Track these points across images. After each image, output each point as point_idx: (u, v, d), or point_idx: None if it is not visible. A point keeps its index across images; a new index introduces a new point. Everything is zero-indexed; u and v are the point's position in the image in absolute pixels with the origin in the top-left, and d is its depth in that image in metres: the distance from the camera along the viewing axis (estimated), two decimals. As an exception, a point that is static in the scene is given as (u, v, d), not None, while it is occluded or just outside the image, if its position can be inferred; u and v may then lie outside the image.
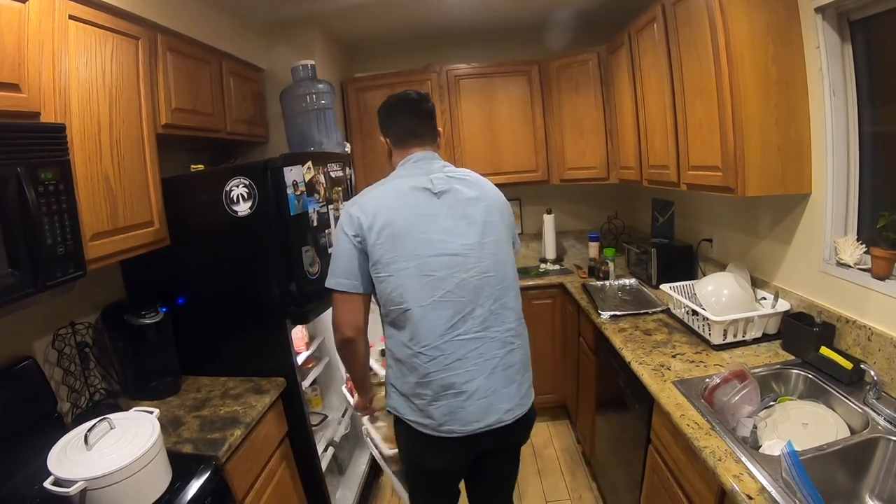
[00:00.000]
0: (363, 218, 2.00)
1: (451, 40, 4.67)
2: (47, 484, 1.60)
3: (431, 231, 2.00)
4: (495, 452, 2.19)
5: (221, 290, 2.67)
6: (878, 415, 1.84)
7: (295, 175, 2.54)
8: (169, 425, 2.23)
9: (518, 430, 2.12)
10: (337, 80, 4.33)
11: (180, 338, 2.64)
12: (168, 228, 2.55)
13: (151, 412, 1.94)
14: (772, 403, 2.13)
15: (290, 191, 2.50)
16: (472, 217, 2.07)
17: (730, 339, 2.53)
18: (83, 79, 2.05)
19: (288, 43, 3.85)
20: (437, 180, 2.07)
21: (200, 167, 2.86)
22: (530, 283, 4.17)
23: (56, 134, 1.82)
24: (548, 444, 4.16)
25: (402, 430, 2.10)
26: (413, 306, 1.97)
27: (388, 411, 2.14)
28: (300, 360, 2.86)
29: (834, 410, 2.00)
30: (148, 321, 2.47)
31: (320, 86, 3.43)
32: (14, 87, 1.73)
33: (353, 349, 2.15)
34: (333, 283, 2.05)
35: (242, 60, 3.48)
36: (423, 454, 2.09)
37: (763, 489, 1.52)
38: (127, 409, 1.97)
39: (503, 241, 2.15)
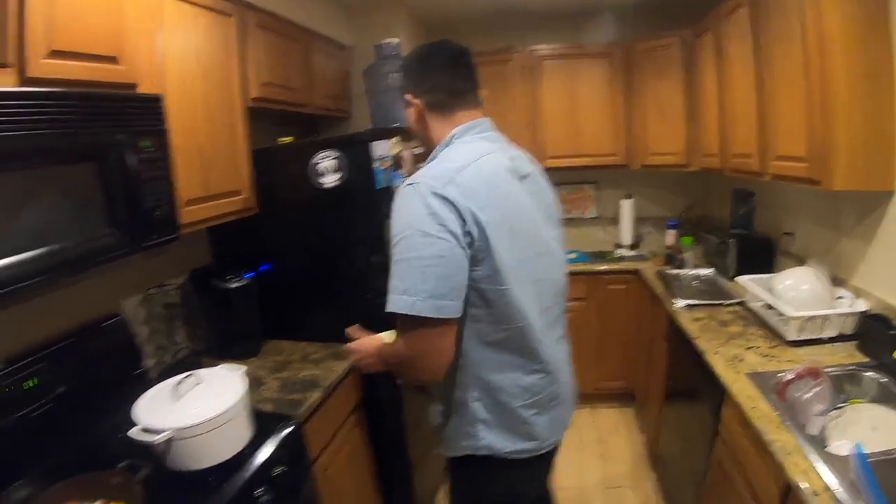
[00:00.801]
0: (472, 204, 1.51)
1: (533, 22, 4.63)
2: (134, 432, 1.69)
3: (532, 225, 1.70)
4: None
5: (306, 259, 2.78)
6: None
7: (381, 150, 2.61)
8: (250, 385, 2.28)
9: None
10: (420, 58, 4.35)
11: (263, 303, 2.74)
12: (256, 198, 2.66)
13: (239, 369, 2.04)
14: (843, 404, 2.09)
15: (376, 165, 2.57)
16: (549, 206, 1.83)
17: (805, 335, 2.48)
18: (178, 53, 2.14)
19: (372, 22, 3.92)
20: (518, 160, 1.76)
21: (289, 140, 2.95)
22: (605, 267, 4.19)
23: (153, 104, 1.92)
24: (612, 430, 4.17)
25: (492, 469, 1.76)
26: (529, 319, 1.64)
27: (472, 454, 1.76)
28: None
29: (906, 416, 1.95)
30: (234, 285, 2.57)
31: (405, 64, 3.45)
32: (112, 60, 1.82)
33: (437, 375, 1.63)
34: (430, 307, 1.46)
35: (328, 38, 3.56)
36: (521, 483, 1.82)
37: (828, 487, 1.51)
38: (203, 369, 2.06)
39: (559, 235, 1.88)
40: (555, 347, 1.76)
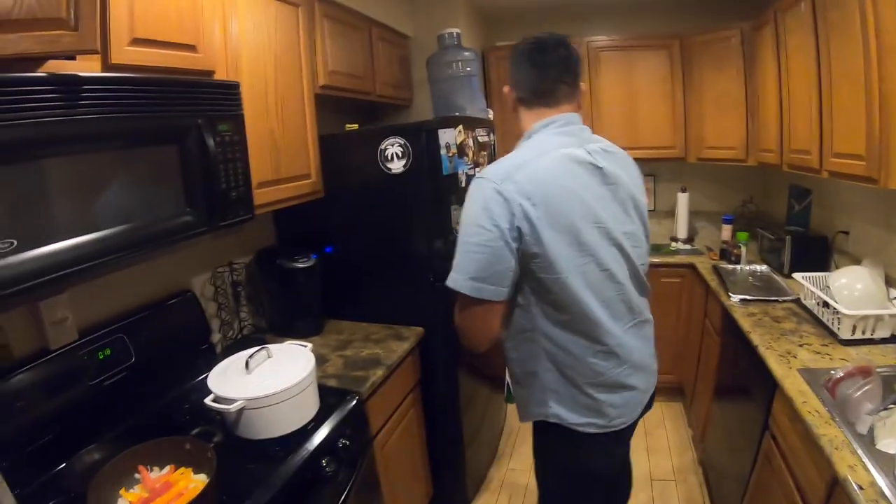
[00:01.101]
0: (524, 202, 1.62)
1: (591, 11, 4.63)
2: (208, 400, 1.81)
3: (597, 218, 1.72)
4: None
5: (370, 243, 2.86)
6: None
7: (448, 137, 2.68)
8: (315, 361, 2.40)
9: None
10: (479, 49, 4.41)
11: (326, 283, 2.83)
12: (323, 182, 2.76)
13: (306, 346, 2.15)
14: (892, 405, 2.08)
15: (443, 152, 2.65)
16: (626, 200, 1.84)
17: (858, 335, 2.47)
18: (251, 42, 2.23)
19: (433, 12, 3.98)
20: (595, 153, 1.78)
21: (355, 126, 3.04)
22: (659, 260, 4.18)
23: (231, 91, 2.01)
24: (660, 423, 4.17)
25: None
26: (587, 305, 1.71)
27: None
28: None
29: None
30: (300, 265, 2.68)
31: (466, 53, 3.52)
32: (191, 48, 1.92)
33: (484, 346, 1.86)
34: (470, 287, 1.65)
35: (390, 27, 3.64)
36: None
37: (874, 483, 1.52)
38: (274, 344, 2.16)
39: (641, 224, 1.92)
40: (624, 334, 1.80)
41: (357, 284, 2.94)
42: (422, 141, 2.62)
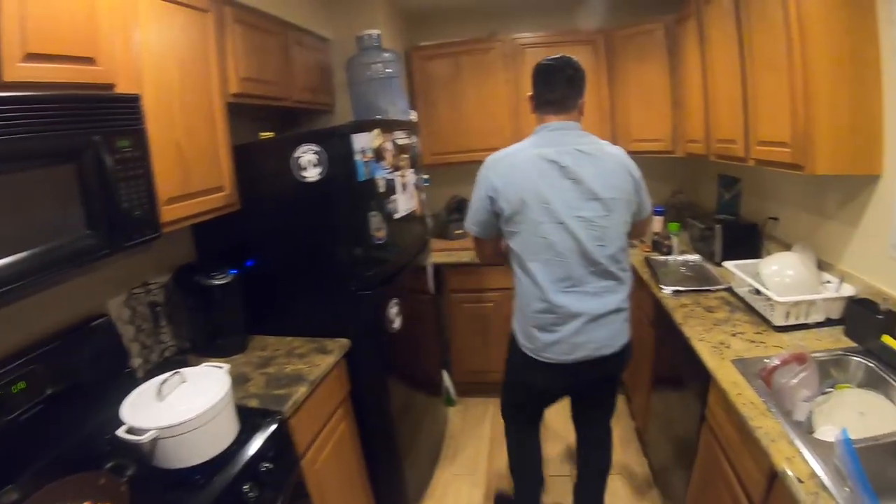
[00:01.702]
0: (497, 181, 2.34)
1: (516, 8, 4.62)
2: (120, 432, 1.69)
3: (561, 201, 2.27)
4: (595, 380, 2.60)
5: (289, 254, 2.77)
6: (939, 408, 1.79)
7: (363, 142, 2.59)
8: (236, 381, 2.30)
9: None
10: (402, 49, 4.36)
11: (248, 298, 2.73)
12: (238, 193, 2.64)
13: (221, 367, 2.05)
14: (829, 390, 2.09)
15: (357, 157, 2.56)
16: (586, 191, 2.29)
17: (791, 321, 2.48)
18: (155, 51, 2.11)
19: (353, 13, 3.89)
20: (565, 154, 2.29)
21: (270, 135, 2.94)
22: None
23: (131, 104, 1.89)
24: (603, 417, 4.14)
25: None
26: (531, 261, 2.36)
27: None
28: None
29: (892, 402, 1.96)
30: (218, 282, 2.57)
31: (385, 54, 3.47)
32: (89, 61, 1.80)
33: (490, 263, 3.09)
34: (470, 228, 2.56)
35: (307, 30, 3.55)
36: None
37: (814, 474, 1.51)
38: (195, 366, 2.08)
39: (622, 217, 2.40)
40: (560, 293, 2.33)
41: (280, 298, 2.85)
42: (335, 147, 2.54)
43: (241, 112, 2.85)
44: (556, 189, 2.27)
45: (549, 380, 2.52)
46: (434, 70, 4.41)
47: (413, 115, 3.79)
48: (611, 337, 2.40)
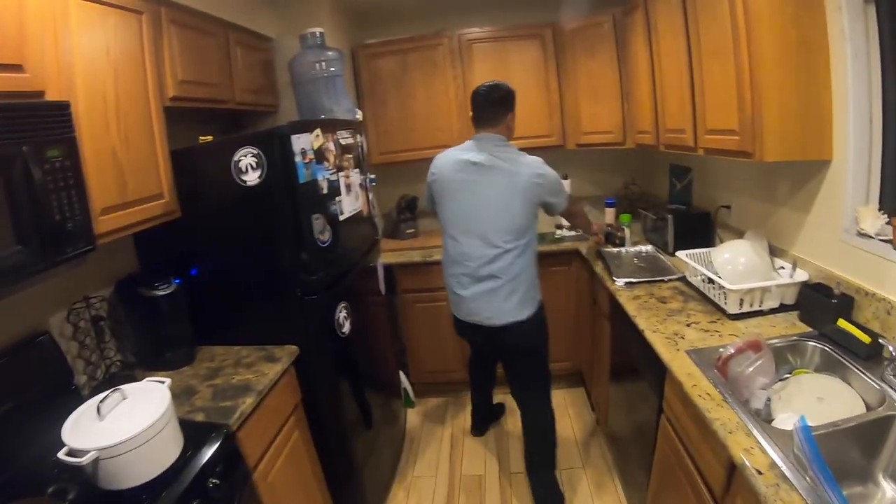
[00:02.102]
0: (434, 170, 3.07)
1: (464, 4, 4.55)
2: (61, 454, 1.62)
3: (467, 192, 2.90)
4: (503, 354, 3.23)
5: (234, 261, 2.68)
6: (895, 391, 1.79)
7: (303, 143, 2.51)
8: (182, 395, 2.25)
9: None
10: (348, 47, 4.29)
11: (194, 308, 2.64)
12: (178, 201, 2.54)
13: (163, 382, 1.96)
14: (787, 376, 2.09)
15: (298, 159, 2.47)
16: (504, 190, 2.84)
17: (746, 308, 2.48)
18: (87, 56, 2.02)
19: (296, 11, 3.79)
20: (483, 158, 2.87)
21: (209, 138, 2.83)
22: (545, 249, 4.11)
23: (60, 112, 1.80)
24: (563, 412, 4.15)
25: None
26: (447, 233, 3.05)
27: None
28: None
29: (850, 385, 1.95)
30: (161, 293, 2.47)
31: (329, 53, 3.40)
32: (17, 68, 1.70)
33: None
34: (423, 203, 3.37)
35: (249, 30, 3.44)
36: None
37: (773, 464, 1.49)
38: (142, 381, 1.99)
39: (520, 210, 2.85)
40: (461, 266, 2.98)
41: (227, 306, 2.76)
42: (274, 149, 2.46)
43: (182, 116, 2.75)
44: (470, 183, 2.90)
45: (462, 332, 3.25)
46: (381, 68, 4.34)
47: (359, 115, 3.72)
48: (496, 310, 2.92)
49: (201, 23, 2.87)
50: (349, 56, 4.28)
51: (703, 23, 2.58)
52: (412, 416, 4.30)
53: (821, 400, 1.91)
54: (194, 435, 1.93)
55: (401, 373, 4.18)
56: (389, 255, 4.20)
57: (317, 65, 3.34)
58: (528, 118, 4.27)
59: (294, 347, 2.63)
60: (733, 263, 2.58)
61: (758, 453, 1.55)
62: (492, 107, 2.95)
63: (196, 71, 2.77)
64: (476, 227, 2.89)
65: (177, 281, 2.54)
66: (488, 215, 2.86)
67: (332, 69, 3.39)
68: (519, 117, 4.25)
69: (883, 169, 2.20)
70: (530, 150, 4.27)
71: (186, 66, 2.67)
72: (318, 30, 3.42)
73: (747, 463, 1.51)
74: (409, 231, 4.64)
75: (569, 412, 4.16)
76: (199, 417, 2.10)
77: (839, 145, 2.27)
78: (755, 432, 1.64)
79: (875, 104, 2.16)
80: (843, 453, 1.65)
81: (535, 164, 2.88)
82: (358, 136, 3.28)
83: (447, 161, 3.00)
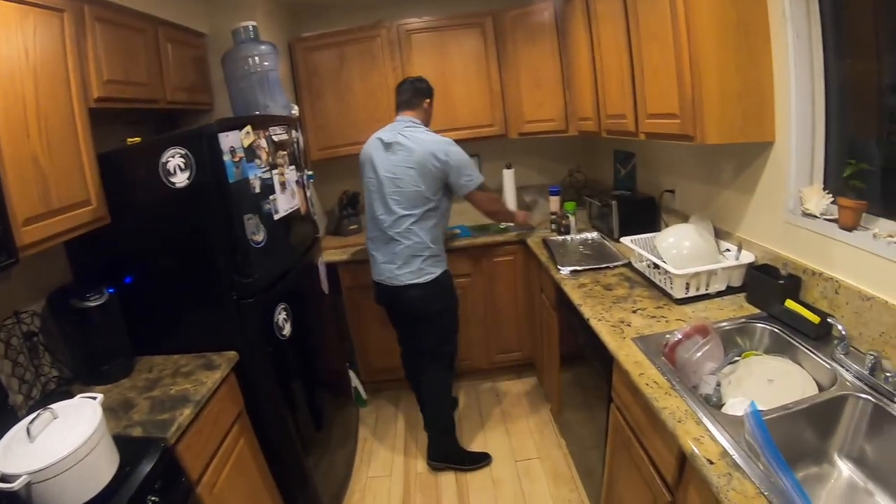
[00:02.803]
0: (362, 152, 3.40)
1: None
2: (-6, 481, 1.53)
3: (377, 165, 3.24)
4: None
5: (168, 266, 2.56)
6: (847, 371, 1.78)
7: (232, 141, 2.40)
8: (120, 409, 2.15)
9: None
10: (284, 41, 4.18)
11: (131, 318, 2.53)
12: (108, 206, 2.42)
13: (95, 398, 1.85)
14: (736, 359, 2.08)
15: (227, 158, 2.37)
16: (397, 161, 3.17)
17: (692, 292, 2.47)
18: (3, 58, 1.90)
19: (229, 5, 3.66)
20: (391, 136, 3.22)
21: (137, 140, 2.69)
22: (490, 240, 4.11)
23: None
24: (515, 402, 4.15)
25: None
26: (367, 202, 3.39)
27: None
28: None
29: (801, 366, 1.95)
30: (93, 304, 2.35)
31: (262, 47, 3.30)
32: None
33: None
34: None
35: (180, 26, 3.31)
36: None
37: (725, 452, 1.46)
38: (81, 395, 1.89)
39: (413, 181, 3.15)
40: (376, 228, 3.30)
41: (164, 314, 2.64)
42: (202, 148, 2.36)
43: (111, 118, 2.64)
44: (379, 158, 3.25)
45: (379, 299, 3.50)
46: (318, 61, 4.24)
47: (295, 110, 3.62)
48: (397, 271, 3.24)
49: (128, 19, 2.73)
50: (285, 50, 4.17)
51: (643, 7, 2.56)
52: (365, 416, 4.23)
53: (771, 382, 1.90)
54: (131, 451, 1.85)
55: (350, 372, 4.11)
56: (333, 252, 4.13)
57: (250, 60, 3.24)
58: (470, 108, 4.28)
59: (233, 353, 2.53)
60: (678, 248, 2.57)
61: (708, 442, 1.52)
62: (407, 92, 3.33)
63: (123, 70, 2.63)
64: (379, 195, 3.24)
65: (110, 290, 2.42)
66: (389, 185, 3.20)
67: (266, 64, 3.30)
68: (460, 108, 4.26)
69: (826, 149, 2.20)
70: (473, 141, 4.30)
71: (113, 66, 2.54)
72: (250, 23, 3.30)
73: (698, 453, 1.48)
74: (351, 227, 4.56)
75: (521, 402, 4.15)
76: (137, 432, 2.00)
77: (782, 127, 2.26)
78: (705, 420, 1.61)
79: (818, 85, 2.16)
80: (797, 435, 1.65)
81: (436, 142, 3.17)
82: (293, 132, 3.18)
83: (368, 145, 3.37)
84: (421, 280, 3.22)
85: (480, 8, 4.28)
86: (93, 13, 2.41)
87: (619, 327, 2.29)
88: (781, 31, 2.16)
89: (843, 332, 1.84)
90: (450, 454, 3.55)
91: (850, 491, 1.62)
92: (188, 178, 2.38)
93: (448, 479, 3.45)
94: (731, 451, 1.46)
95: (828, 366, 1.84)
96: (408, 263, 3.21)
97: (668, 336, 2.09)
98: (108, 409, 1.79)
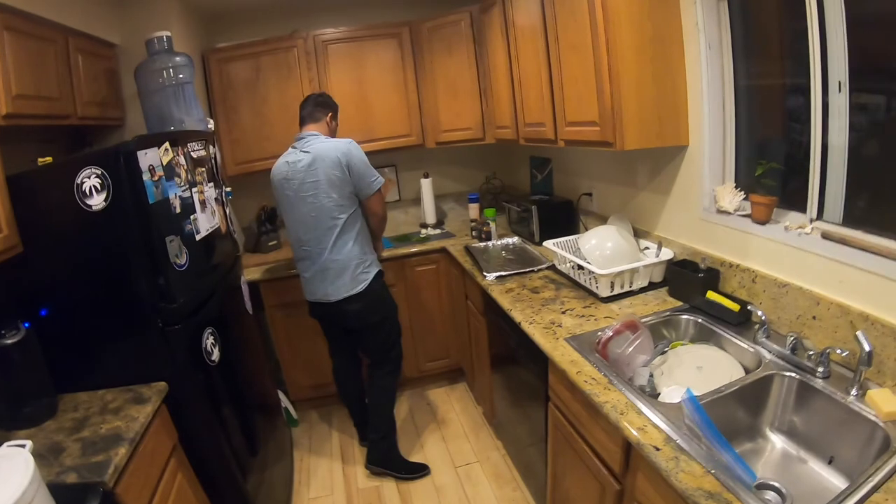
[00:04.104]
0: (272, 181, 3.30)
1: (319, 4, 4.48)
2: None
3: (287, 189, 3.20)
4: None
5: (86, 295, 2.39)
6: (769, 352, 1.92)
7: (151, 159, 2.30)
8: (49, 454, 2.00)
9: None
10: (198, 52, 4.10)
11: (50, 353, 2.34)
12: (19, 233, 2.25)
13: (24, 445, 1.71)
14: (665, 350, 2.18)
15: (146, 177, 2.26)
16: (304, 178, 3.12)
17: (617, 290, 2.58)
18: None
19: (142, 15, 3.56)
20: (295, 157, 3.19)
21: (48, 160, 2.50)
22: (412, 250, 4.14)
23: None
24: (448, 409, 4.19)
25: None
26: (286, 223, 3.36)
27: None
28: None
29: (726, 351, 2.08)
30: (10, 341, 2.15)
31: (177, 59, 3.19)
32: None
33: None
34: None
35: (91, 36, 3.16)
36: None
37: (669, 438, 1.55)
38: (2, 442, 1.75)
39: (325, 194, 3.11)
40: (303, 246, 3.27)
41: (86, 346, 2.46)
42: (119, 168, 2.23)
43: (17, 137, 2.51)
44: (288, 182, 3.19)
45: (314, 314, 3.48)
46: (233, 73, 4.18)
47: (211, 124, 3.53)
48: (332, 286, 3.21)
49: (38, 28, 2.60)
50: (199, 62, 4.09)
51: (562, 19, 2.64)
52: (299, 435, 4.16)
53: (700, 369, 2.01)
54: (69, 499, 1.74)
55: (279, 392, 4.02)
56: (253, 270, 4.04)
57: (164, 72, 3.14)
58: (388, 118, 4.30)
59: (162, 384, 2.41)
60: (601, 249, 2.67)
61: (651, 430, 1.60)
62: (308, 106, 3.35)
63: (33, 83, 2.51)
64: (298, 216, 3.22)
65: (26, 325, 2.25)
66: (303, 205, 3.17)
67: (182, 76, 3.20)
68: (377, 118, 4.28)
69: (737, 150, 2.36)
70: (390, 151, 4.34)
71: (22, 79, 2.42)
72: (164, 33, 3.20)
73: (644, 441, 1.56)
74: (270, 244, 4.49)
75: (454, 408, 4.19)
76: (72, 478, 1.87)
77: (695, 130, 2.42)
78: (645, 410, 1.69)
79: (728, 90, 2.33)
80: (730, 415, 1.77)
81: (336, 148, 3.13)
82: (210, 147, 3.08)
83: (275, 168, 3.29)
84: (356, 290, 3.20)
85: (397, 18, 4.32)
86: (2, 22, 2.30)
87: (550, 329, 2.36)
88: (694, 40, 2.31)
89: (763, 318, 1.98)
90: (389, 459, 3.52)
91: (784, 460, 1.75)
92: (105, 200, 2.24)
93: (390, 490, 3.43)
94: (674, 436, 1.54)
95: (751, 349, 1.98)
96: (340, 276, 3.18)
97: (599, 333, 2.19)
98: (37, 456, 1.63)
